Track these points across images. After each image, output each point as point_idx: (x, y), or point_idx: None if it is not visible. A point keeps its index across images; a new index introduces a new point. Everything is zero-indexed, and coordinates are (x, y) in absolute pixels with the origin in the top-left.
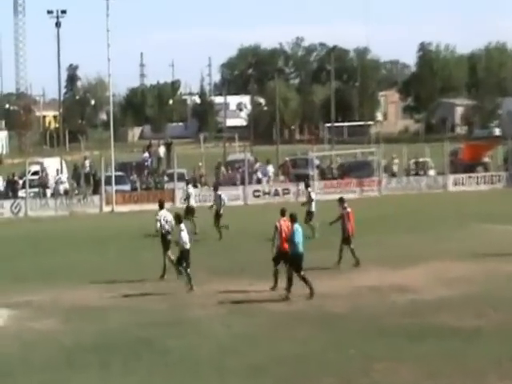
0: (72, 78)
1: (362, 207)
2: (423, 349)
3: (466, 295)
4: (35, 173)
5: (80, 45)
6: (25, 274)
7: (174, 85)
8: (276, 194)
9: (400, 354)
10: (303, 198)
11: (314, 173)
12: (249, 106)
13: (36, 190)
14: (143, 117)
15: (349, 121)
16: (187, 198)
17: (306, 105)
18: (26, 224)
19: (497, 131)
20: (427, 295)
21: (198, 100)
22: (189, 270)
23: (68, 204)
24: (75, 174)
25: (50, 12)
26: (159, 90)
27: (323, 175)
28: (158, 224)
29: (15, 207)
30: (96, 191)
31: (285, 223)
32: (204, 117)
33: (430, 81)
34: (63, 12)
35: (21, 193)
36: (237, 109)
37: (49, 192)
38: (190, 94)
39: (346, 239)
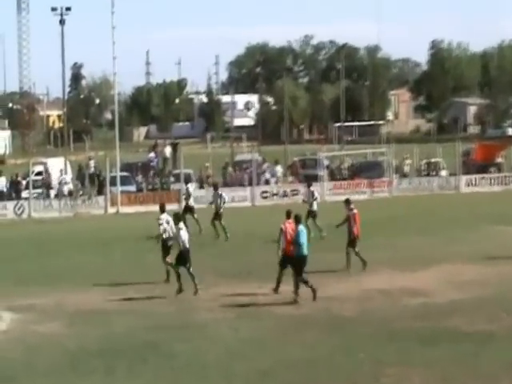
0: (76, 77)
1: (372, 208)
2: (435, 353)
3: (478, 299)
4: (39, 173)
5: (85, 43)
6: (28, 276)
7: (181, 83)
8: (284, 195)
9: (411, 358)
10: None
11: (323, 173)
12: (257, 105)
13: (40, 190)
14: (149, 116)
15: (359, 120)
16: (187, 197)
17: (315, 104)
18: (29, 225)
19: (510, 131)
20: (439, 298)
21: (204, 99)
22: (191, 269)
23: (72, 205)
24: (80, 174)
25: (54, 9)
26: (165, 89)
27: (333, 176)
28: (162, 228)
29: (18, 208)
30: (101, 192)
31: (290, 226)
32: (211, 116)
33: (441, 79)
34: (68, 9)
35: (24, 194)
36: (244, 108)
37: (53, 193)
38: (197, 92)
39: (352, 242)
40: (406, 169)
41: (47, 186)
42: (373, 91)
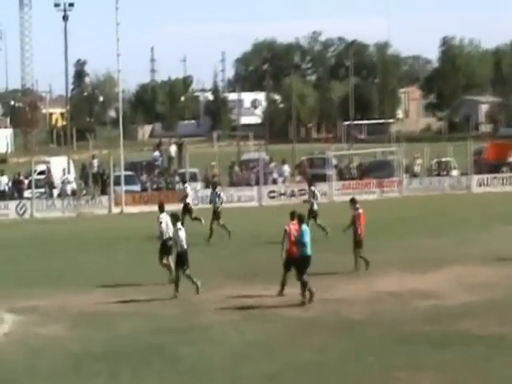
0: (80, 74)
1: (381, 209)
2: (446, 357)
3: (489, 301)
4: (41, 172)
5: (88, 39)
6: (30, 277)
7: (186, 81)
8: (292, 194)
9: (422, 362)
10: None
11: (331, 173)
12: (264, 103)
13: (42, 190)
14: (154, 114)
15: (368, 119)
16: (184, 197)
17: (324, 102)
18: (31, 226)
19: None
20: (450, 301)
21: (210, 97)
22: (188, 271)
23: (75, 205)
24: (83, 173)
25: (57, 5)
26: (170, 87)
27: (341, 175)
28: (164, 226)
29: (20, 208)
30: (104, 192)
31: (294, 227)
32: (217, 114)
33: (453, 77)
34: (71, 5)
35: (26, 193)
36: (251, 106)
37: (55, 192)
38: (203, 90)
39: (358, 242)
40: (417, 168)
41: (50, 185)
42: (382, 89)
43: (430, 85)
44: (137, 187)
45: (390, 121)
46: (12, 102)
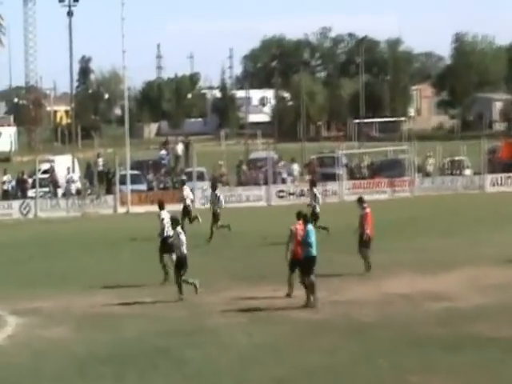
0: (85, 71)
1: (393, 209)
2: (458, 360)
3: (503, 303)
4: (45, 171)
5: (93, 35)
6: (34, 278)
7: (193, 78)
8: (301, 194)
9: (434, 365)
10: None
11: (342, 172)
12: (272, 101)
13: (46, 189)
14: (160, 112)
15: (379, 117)
16: (183, 199)
17: (334, 99)
18: (35, 225)
19: None
20: (462, 303)
21: (218, 94)
22: (184, 276)
23: (80, 204)
24: (88, 172)
25: (61, 0)
26: (177, 84)
27: (352, 174)
28: (165, 223)
29: (24, 208)
30: (110, 191)
31: (300, 227)
32: (225, 112)
33: (465, 74)
34: (75, 0)
35: (30, 192)
36: (260, 104)
37: (60, 192)
38: (210, 87)
39: (366, 242)
40: (429, 168)
41: (54, 184)
42: (394, 86)
43: (443, 82)
44: (143, 186)
45: (402, 119)
46: (15, 100)
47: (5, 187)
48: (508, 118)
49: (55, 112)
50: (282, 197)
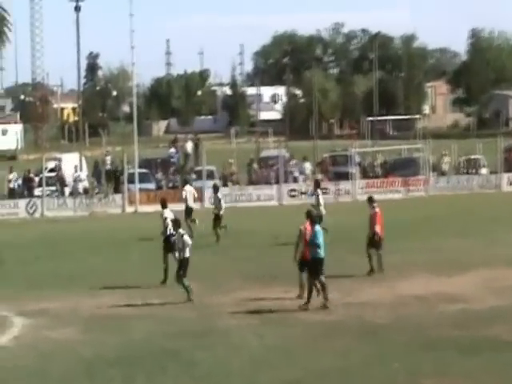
0: (92, 67)
1: (407, 208)
2: (475, 363)
3: None
4: (52, 170)
5: (101, 31)
6: (41, 279)
7: (203, 74)
8: (313, 193)
9: (449, 368)
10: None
11: (355, 171)
12: (284, 98)
13: (53, 188)
14: (169, 109)
15: (393, 114)
16: (185, 199)
17: (347, 97)
18: (42, 225)
19: None
20: (478, 305)
21: (228, 91)
22: (183, 280)
23: (88, 204)
24: (95, 171)
25: None
26: (187, 80)
27: (365, 173)
28: (168, 222)
29: (31, 207)
30: (118, 190)
31: (309, 227)
32: (235, 109)
33: (482, 71)
34: None
35: (37, 191)
36: (271, 101)
37: (67, 190)
38: (220, 84)
39: (376, 243)
40: (444, 166)
41: (61, 183)
42: (408, 83)
43: (458, 79)
44: (152, 185)
45: (416, 116)
46: (22, 97)
47: (11, 186)
48: None
49: (62, 109)
50: (293, 196)
